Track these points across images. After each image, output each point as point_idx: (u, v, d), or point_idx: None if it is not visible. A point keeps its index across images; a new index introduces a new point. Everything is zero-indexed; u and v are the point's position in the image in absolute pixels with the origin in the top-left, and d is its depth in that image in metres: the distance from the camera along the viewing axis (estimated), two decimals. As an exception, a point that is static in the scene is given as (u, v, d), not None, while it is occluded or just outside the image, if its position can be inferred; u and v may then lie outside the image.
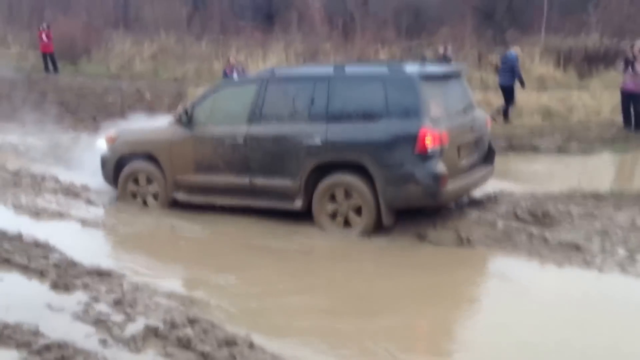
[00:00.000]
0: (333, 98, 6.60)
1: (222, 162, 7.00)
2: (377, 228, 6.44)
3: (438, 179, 6.19)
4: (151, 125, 8.02)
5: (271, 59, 19.94)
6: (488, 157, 7.30)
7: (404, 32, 21.99)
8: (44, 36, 20.69)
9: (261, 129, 6.84)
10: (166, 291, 5.20)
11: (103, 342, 4.34)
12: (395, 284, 5.51)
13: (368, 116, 6.46)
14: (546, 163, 10.65)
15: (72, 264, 5.57)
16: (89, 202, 7.55)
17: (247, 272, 5.75)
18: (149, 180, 7.42)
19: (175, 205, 7.26)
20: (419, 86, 6.36)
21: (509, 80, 13.23)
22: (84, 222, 6.83)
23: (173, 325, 4.49)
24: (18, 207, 7.18)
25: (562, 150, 11.01)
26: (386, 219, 6.41)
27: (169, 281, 5.47)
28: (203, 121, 7.17)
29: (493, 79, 15.84)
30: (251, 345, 4.28)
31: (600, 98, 14.09)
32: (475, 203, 7.22)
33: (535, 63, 17.81)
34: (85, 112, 14.23)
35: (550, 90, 13.50)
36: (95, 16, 25.24)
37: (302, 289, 5.45)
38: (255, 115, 6.88)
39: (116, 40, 23.51)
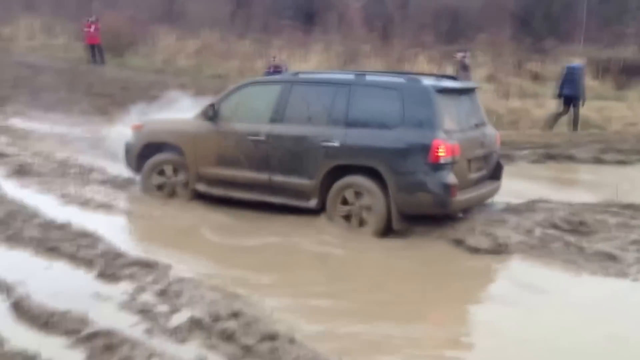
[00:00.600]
0: (352, 104, 6.85)
1: (244, 157, 7.23)
2: (388, 231, 6.62)
3: (448, 188, 6.40)
4: (177, 116, 8.23)
5: (312, 59, 20.08)
6: (496, 172, 7.47)
7: (442, 36, 21.92)
8: (91, 28, 21.11)
9: (283, 129, 7.06)
10: (210, 284, 5.31)
11: (148, 332, 4.48)
12: (433, 289, 5.56)
13: (384, 123, 6.69)
14: (583, 173, 10.59)
15: (119, 254, 5.73)
16: (135, 194, 7.71)
17: (287, 270, 5.85)
18: (176, 171, 7.64)
19: (216, 200, 7.38)
20: (434, 99, 6.59)
21: (572, 90, 13.10)
22: (130, 214, 7.02)
23: (217, 318, 4.61)
24: (65, 197, 7.39)
25: (598, 160, 10.90)
26: (396, 224, 6.62)
27: (213, 274, 5.60)
28: (228, 117, 7.39)
29: (530, 86, 15.76)
30: (292, 341, 4.37)
31: (636, 109, 13.93)
32: (513, 210, 7.23)
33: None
34: (130, 105, 14.48)
35: (588, 101, 13.39)
36: (142, 10, 25.64)
37: (339, 291, 5.51)
38: (278, 114, 7.12)
39: (161, 35, 23.86)
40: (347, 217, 6.79)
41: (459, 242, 6.42)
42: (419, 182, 6.44)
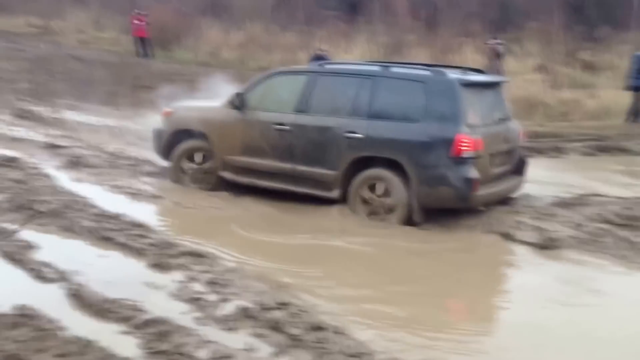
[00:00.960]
0: (377, 95, 6.86)
1: (268, 146, 7.32)
2: (409, 223, 6.65)
3: (470, 183, 6.39)
4: (206, 104, 8.35)
5: (354, 50, 20.02)
6: (519, 168, 7.38)
7: (490, 25, 21.55)
8: (139, 21, 21.48)
9: (307, 119, 7.13)
10: (257, 274, 5.42)
11: (198, 320, 4.58)
12: (479, 284, 5.54)
13: (408, 116, 6.68)
14: (636, 166, 10.29)
15: (169, 244, 5.87)
16: (184, 186, 7.83)
17: (333, 263, 5.89)
18: (205, 158, 7.78)
19: (261, 191, 7.46)
20: (458, 92, 6.55)
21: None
22: (179, 204, 7.15)
23: (264, 308, 4.70)
24: (117, 188, 7.58)
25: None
26: (417, 216, 6.64)
27: (260, 264, 5.68)
28: (254, 106, 7.48)
29: (582, 77, 15.40)
30: (337, 331, 4.43)
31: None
32: (563, 204, 7.13)
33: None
34: (177, 98, 14.71)
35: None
36: (187, 3, 25.94)
37: (389, 282, 5.54)
38: (303, 105, 7.19)
39: (205, 28, 24.11)
40: (369, 209, 6.80)
41: (506, 236, 6.37)
42: (441, 175, 6.42)
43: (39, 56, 18.52)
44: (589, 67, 17.05)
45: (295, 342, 4.31)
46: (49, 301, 4.65)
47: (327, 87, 7.19)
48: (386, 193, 6.73)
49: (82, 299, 4.76)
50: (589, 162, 8.90)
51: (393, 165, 6.64)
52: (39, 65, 16.63)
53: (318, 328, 4.44)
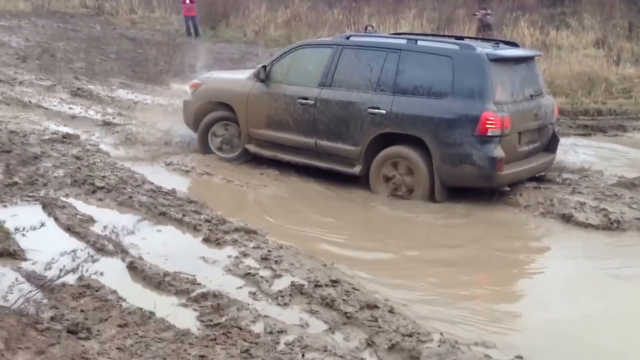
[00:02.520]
0: (402, 70, 6.71)
1: (292, 120, 7.30)
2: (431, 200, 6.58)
3: (494, 162, 6.24)
4: (233, 75, 8.40)
5: (403, 27, 19.75)
6: (551, 145, 7.18)
7: (545, -1, 20.92)
8: (188, 0, 21.67)
9: (331, 93, 7.05)
10: (308, 251, 5.47)
11: (253, 295, 4.69)
12: (538, 267, 5.48)
13: (434, 92, 6.53)
14: None
15: (222, 221, 5.98)
16: (235, 165, 7.90)
17: (386, 241, 5.89)
18: (230, 128, 7.93)
19: (310, 170, 7.47)
20: (487, 68, 6.36)
21: None
22: (230, 182, 7.24)
23: (317, 285, 4.75)
24: (170, 165, 7.72)
25: None
26: (439, 195, 6.54)
27: (311, 242, 5.74)
28: (279, 79, 7.47)
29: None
30: (392, 310, 4.45)
31: None
32: (627, 184, 6.92)
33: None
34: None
35: None
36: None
37: (446, 262, 5.53)
38: (327, 79, 7.11)
39: (252, 6, 24.17)
40: (390, 187, 6.75)
41: (567, 218, 6.23)
42: (465, 154, 6.28)
43: (93, 36, 18.90)
44: None
45: (349, 319, 4.36)
46: (110, 273, 4.78)
47: (351, 60, 7.06)
48: (408, 171, 6.64)
49: (141, 272, 4.91)
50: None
51: (416, 143, 6.51)
52: (93, 45, 16.97)
53: (372, 306, 4.47)
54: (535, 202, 6.55)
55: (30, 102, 10.65)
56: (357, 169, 6.93)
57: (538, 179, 7.25)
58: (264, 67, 7.56)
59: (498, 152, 6.27)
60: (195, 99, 8.18)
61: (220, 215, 6.12)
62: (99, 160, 7.49)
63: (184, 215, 6.05)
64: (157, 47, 17.49)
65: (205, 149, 8.07)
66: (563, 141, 8.00)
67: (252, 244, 5.51)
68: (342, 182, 7.24)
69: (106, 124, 9.44)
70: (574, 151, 8.70)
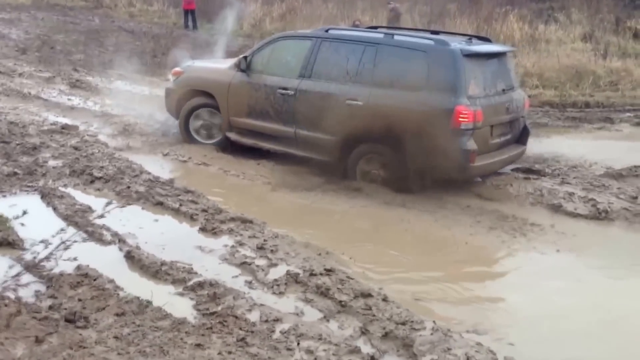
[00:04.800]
0: (379, 64, 6.82)
1: (272, 110, 7.43)
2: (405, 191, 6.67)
3: (467, 154, 6.34)
4: (214, 65, 8.51)
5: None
6: (521, 137, 7.29)
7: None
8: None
9: (310, 84, 7.18)
10: (303, 241, 5.53)
11: (249, 284, 4.74)
12: (526, 259, 5.51)
13: (409, 85, 6.62)
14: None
15: (219, 210, 6.03)
16: (232, 156, 7.92)
17: (379, 235, 5.92)
18: (210, 114, 8.05)
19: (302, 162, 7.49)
20: (460, 63, 6.45)
21: None
22: (227, 172, 7.28)
23: (312, 274, 4.80)
24: (167, 156, 7.75)
25: None
26: (414, 186, 6.63)
27: (306, 232, 5.78)
28: (259, 69, 7.61)
29: (631, 46, 14.88)
30: (385, 299, 4.50)
31: None
32: (615, 175, 7.00)
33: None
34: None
35: None
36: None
37: (431, 258, 5.59)
38: (307, 70, 7.25)
39: (248, 0, 24.16)
40: (367, 176, 6.86)
41: (556, 208, 6.29)
42: (439, 146, 6.35)
43: (92, 29, 18.89)
44: (638, 35, 16.42)
45: (344, 308, 4.41)
46: (108, 262, 4.85)
47: (330, 53, 7.19)
48: (384, 163, 6.75)
49: (138, 261, 4.96)
50: (639, 132, 8.68)
51: (393, 135, 6.58)
52: (91, 37, 16.98)
53: (365, 295, 4.52)
54: (525, 193, 6.62)
55: (29, 93, 10.68)
56: (334, 159, 7.05)
57: (527, 170, 7.31)
58: (245, 57, 7.71)
59: (470, 144, 6.36)
60: (177, 86, 8.33)
61: (216, 204, 6.17)
62: (97, 151, 7.52)
63: (180, 205, 6.09)
64: (155, 40, 17.50)
65: (186, 135, 8.21)
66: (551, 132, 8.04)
67: (248, 233, 5.56)
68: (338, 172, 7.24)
69: (104, 115, 9.48)
70: (562, 142, 8.76)
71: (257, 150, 7.68)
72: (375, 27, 8.61)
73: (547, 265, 5.31)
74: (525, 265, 5.34)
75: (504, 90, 6.98)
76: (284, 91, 7.32)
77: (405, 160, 6.53)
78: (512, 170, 7.35)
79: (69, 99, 10.51)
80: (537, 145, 8.35)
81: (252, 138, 7.68)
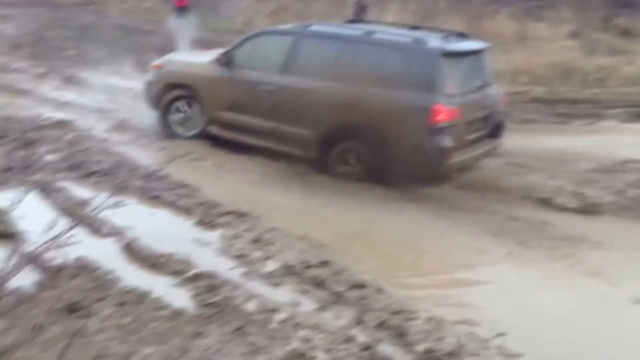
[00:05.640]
0: (358, 61, 6.90)
1: (253, 105, 7.51)
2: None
3: (443, 152, 6.45)
4: (195, 58, 8.57)
5: (387, 17, 19.79)
6: (496, 131, 7.38)
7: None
8: (179, -9, 21.59)
9: (291, 80, 7.26)
10: (299, 234, 5.61)
11: (245, 275, 4.83)
12: (516, 251, 5.63)
13: (387, 83, 6.70)
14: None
15: (215, 204, 6.10)
16: (226, 151, 7.95)
17: (373, 229, 5.99)
18: (190, 105, 8.13)
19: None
20: (438, 62, 6.58)
21: None
22: (222, 166, 7.34)
23: (307, 265, 4.91)
24: (163, 150, 7.79)
25: None
26: (392, 181, 6.69)
27: (301, 224, 5.85)
28: (240, 64, 7.69)
29: (619, 43, 15.04)
30: (379, 290, 4.61)
31: None
32: (603, 170, 7.13)
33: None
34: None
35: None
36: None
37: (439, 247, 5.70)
38: (288, 66, 7.33)
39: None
40: (346, 170, 6.95)
41: (546, 202, 6.40)
42: (416, 144, 6.45)
43: (84, 25, 18.82)
44: (626, 33, 16.57)
45: (339, 298, 4.51)
46: (106, 254, 4.93)
47: (310, 49, 7.28)
48: (361, 159, 6.85)
49: (136, 253, 5.04)
50: (628, 129, 8.78)
51: (371, 131, 6.66)
52: (84, 33, 16.93)
53: (360, 286, 4.63)
54: (514, 187, 6.71)
55: (23, 89, 10.69)
56: (313, 154, 7.14)
57: (518, 164, 7.42)
58: (226, 52, 7.77)
59: (447, 142, 6.45)
60: (157, 79, 8.38)
61: (212, 198, 6.25)
62: (92, 146, 7.57)
63: (177, 199, 6.17)
64: (147, 36, 17.49)
65: (165, 128, 8.30)
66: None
67: (243, 227, 5.65)
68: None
69: (99, 110, 9.50)
70: (552, 138, 8.89)
71: (250, 146, 7.73)
72: (357, 21, 8.75)
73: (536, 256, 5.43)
74: (515, 256, 5.44)
75: (479, 87, 7.10)
76: (265, 86, 7.40)
77: (383, 156, 6.63)
78: (504, 164, 7.45)
79: (63, 95, 10.54)
80: (527, 140, 8.48)
81: (233, 132, 7.76)
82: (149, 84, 8.54)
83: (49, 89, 10.96)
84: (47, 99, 10.19)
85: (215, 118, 7.87)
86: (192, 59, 8.68)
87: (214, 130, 7.91)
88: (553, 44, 14.73)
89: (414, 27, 7.92)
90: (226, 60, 7.74)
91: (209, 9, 23.18)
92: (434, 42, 6.88)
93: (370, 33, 7.13)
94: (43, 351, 3.59)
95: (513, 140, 8.54)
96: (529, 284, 4.97)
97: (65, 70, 12.42)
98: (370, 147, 6.73)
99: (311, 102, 7.07)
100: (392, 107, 6.57)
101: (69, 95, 10.53)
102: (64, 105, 9.73)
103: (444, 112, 6.39)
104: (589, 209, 6.24)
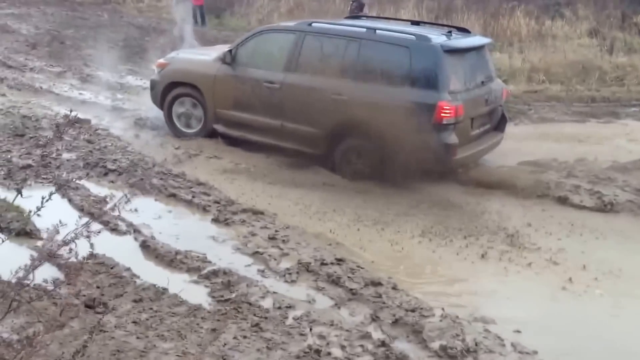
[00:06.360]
0: (362, 58, 6.90)
1: (259, 103, 7.51)
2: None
3: (449, 148, 6.47)
4: (199, 57, 8.58)
5: (403, 16, 19.76)
6: (500, 125, 7.48)
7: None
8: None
9: (296, 78, 7.27)
10: (314, 231, 5.65)
11: (261, 272, 4.87)
12: (533, 249, 5.61)
13: (392, 80, 6.72)
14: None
15: (230, 202, 6.15)
16: (242, 149, 7.94)
17: (389, 223, 6.01)
18: (193, 104, 8.15)
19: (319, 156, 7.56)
20: (442, 59, 6.56)
21: None
22: (238, 165, 7.37)
23: (323, 263, 4.93)
24: (179, 149, 7.84)
25: None
26: (398, 179, 6.70)
27: (317, 223, 5.91)
28: (244, 62, 7.70)
29: (637, 41, 14.90)
30: (395, 287, 4.62)
31: None
32: (620, 168, 7.07)
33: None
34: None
35: None
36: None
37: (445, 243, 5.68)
38: (292, 64, 7.33)
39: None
40: (352, 168, 6.97)
41: (563, 200, 6.37)
42: (422, 140, 6.41)
43: (101, 24, 18.98)
44: None
45: (354, 295, 4.53)
46: (124, 252, 4.98)
47: (314, 47, 7.27)
48: (368, 156, 6.85)
49: (153, 250, 5.09)
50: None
51: (377, 128, 6.64)
52: (101, 32, 17.05)
53: (376, 284, 4.64)
54: (531, 185, 6.67)
55: (41, 87, 10.79)
56: (320, 151, 7.16)
57: (535, 163, 7.38)
58: (230, 51, 7.80)
59: (452, 138, 6.47)
60: (161, 78, 8.40)
61: (228, 196, 6.29)
62: (110, 144, 7.64)
63: (193, 197, 6.21)
64: (164, 35, 17.55)
65: (171, 126, 8.35)
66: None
67: (259, 224, 5.68)
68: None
69: (116, 109, 9.59)
70: (567, 137, 8.84)
71: (268, 145, 7.75)
72: (358, 17, 8.78)
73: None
74: (528, 254, 5.43)
75: (483, 82, 7.12)
76: (270, 84, 7.42)
77: (388, 153, 6.63)
78: (519, 163, 7.43)
79: (80, 94, 10.63)
80: (543, 139, 8.44)
81: (239, 130, 7.78)
82: (154, 83, 8.56)
83: (66, 87, 11.06)
84: (64, 97, 10.28)
85: (220, 116, 7.91)
86: (196, 57, 8.68)
87: (219, 128, 7.93)
88: (571, 42, 14.63)
89: (415, 23, 7.96)
90: (230, 59, 7.77)
91: (224, 7, 23.30)
92: (438, 38, 6.88)
93: (373, 30, 7.12)
94: (63, 346, 3.64)
95: (530, 139, 8.54)
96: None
97: (82, 69, 12.53)
98: (376, 145, 6.73)
99: (316, 99, 7.10)
100: (397, 104, 6.58)
101: (86, 94, 10.63)
102: (81, 104, 9.81)
103: (449, 108, 6.40)
104: (605, 208, 6.19)
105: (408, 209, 6.30)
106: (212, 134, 8.02)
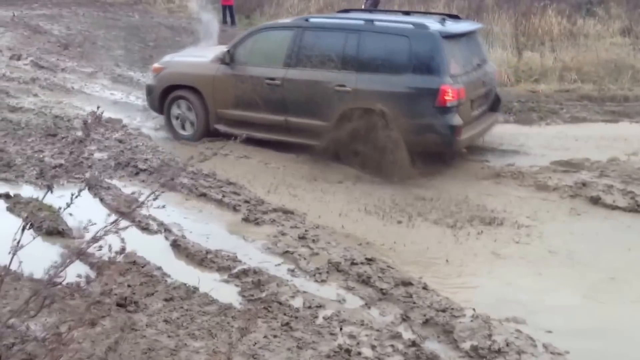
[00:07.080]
0: (363, 49, 7.09)
1: (260, 100, 7.61)
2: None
3: (454, 129, 6.73)
4: (196, 59, 8.60)
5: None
6: (495, 105, 7.88)
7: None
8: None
9: (297, 73, 7.38)
10: (344, 232, 5.63)
11: (291, 272, 4.87)
12: (568, 250, 5.51)
13: (394, 69, 6.92)
14: None
15: (260, 201, 6.16)
16: (272, 149, 7.98)
17: (417, 225, 5.96)
18: (189, 108, 8.20)
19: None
20: (441, 44, 6.81)
21: None
22: (268, 165, 7.38)
23: (353, 262, 4.91)
24: (209, 149, 7.85)
25: None
26: (405, 166, 6.80)
27: (346, 222, 5.87)
28: (243, 61, 7.78)
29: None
30: (425, 287, 4.58)
31: None
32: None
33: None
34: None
35: None
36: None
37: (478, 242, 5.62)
38: (292, 59, 7.44)
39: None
40: (358, 157, 7.04)
41: (595, 200, 6.25)
42: (427, 124, 6.72)
43: (132, 24, 19.21)
44: None
45: (384, 295, 4.50)
46: (155, 251, 5.03)
47: (314, 42, 7.39)
48: (375, 145, 6.89)
49: (184, 249, 5.12)
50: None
51: (380, 117, 6.79)
52: (132, 33, 17.28)
53: (406, 284, 4.61)
54: (563, 185, 6.59)
55: (73, 88, 10.97)
56: (326, 143, 7.20)
57: (566, 162, 7.27)
58: (228, 50, 7.85)
59: (456, 120, 6.72)
60: (158, 82, 8.42)
61: (258, 196, 6.31)
62: (141, 144, 7.73)
63: (223, 196, 6.25)
64: (194, 35, 17.69)
65: (171, 129, 8.38)
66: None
67: (289, 224, 5.68)
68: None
69: (146, 109, 9.66)
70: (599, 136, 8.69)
71: (295, 144, 7.76)
72: (347, 11, 8.97)
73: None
74: (559, 255, 5.34)
75: (478, 65, 7.43)
76: (271, 81, 7.49)
77: (396, 140, 6.75)
78: (551, 163, 7.32)
79: (111, 94, 10.78)
80: (576, 138, 8.31)
81: (242, 128, 7.61)
82: (151, 88, 8.56)
83: (98, 88, 11.22)
84: (96, 97, 10.43)
85: (221, 116, 7.97)
86: (193, 59, 8.70)
87: (221, 127, 7.96)
88: (603, 41, 14.40)
89: (406, 13, 8.28)
90: (228, 59, 7.81)
91: (254, 7, 23.39)
92: (434, 25, 7.09)
93: (371, 21, 7.29)
94: (95, 344, 3.68)
95: (561, 139, 8.41)
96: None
97: (114, 69, 12.69)
98: (382, 132, 6.82)
99: (319, 92, 7.21)
100: (401, 91, 6.82)
101: (117, 94, 10.77)
102: (112, 104, 9.94)
103: (451, 92, 6.62)
104: (638, 208, 6.06)
105: (445, 207, 6.23)
106: (214, 134, 8.01)
